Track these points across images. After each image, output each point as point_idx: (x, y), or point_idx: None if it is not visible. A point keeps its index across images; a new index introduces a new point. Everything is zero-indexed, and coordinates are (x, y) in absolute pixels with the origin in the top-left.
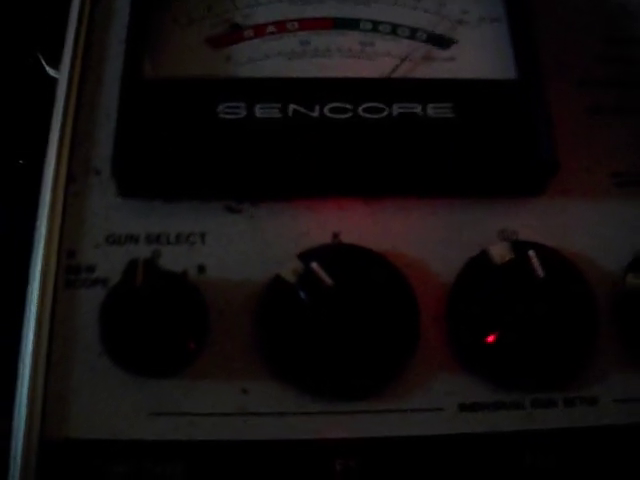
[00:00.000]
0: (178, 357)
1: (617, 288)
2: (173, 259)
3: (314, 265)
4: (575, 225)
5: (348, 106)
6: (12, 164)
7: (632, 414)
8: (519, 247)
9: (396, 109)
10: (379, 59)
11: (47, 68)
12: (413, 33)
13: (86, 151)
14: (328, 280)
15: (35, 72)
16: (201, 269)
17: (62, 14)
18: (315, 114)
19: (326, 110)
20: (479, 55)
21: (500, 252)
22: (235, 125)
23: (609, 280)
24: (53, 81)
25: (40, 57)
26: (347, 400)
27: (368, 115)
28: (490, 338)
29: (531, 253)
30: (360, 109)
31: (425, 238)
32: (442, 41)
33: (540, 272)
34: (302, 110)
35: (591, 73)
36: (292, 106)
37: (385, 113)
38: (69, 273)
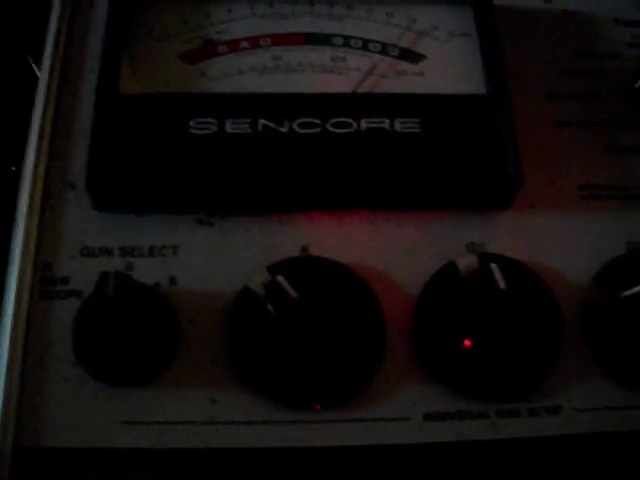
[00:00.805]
0: (149, 367)
1: (582, 299)
2: (146, 271)
3: (280, 278)
4: (542, 237)
5: (317, 121)
6: (4, 170)
7: (594, 423)
8: (485, 259)
9: (364, 124)
10: (350, 74)
11: (38, 73)
12: (384, 48)
13: (62, 165)
14: (293, 293)
15: (27, 77)
16: (172, 281)
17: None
18: (284, 129)
19: (295, 125)
20: (448, 70)
21: (466, 264)
22: (206, 140)
23: (575, 292)
24: None
25: (31, 62)
26: (313, 409)
27: (336, 130)
28: (455, 349)
29: (493, 266)
30: (329, 124)
31: (393, 251)
32: (412, 56)
33: (502, 284)
34: (271, 125)
35: (558, 87)
36: (262, 121)
37: (353, 128)
38: (44, 284)
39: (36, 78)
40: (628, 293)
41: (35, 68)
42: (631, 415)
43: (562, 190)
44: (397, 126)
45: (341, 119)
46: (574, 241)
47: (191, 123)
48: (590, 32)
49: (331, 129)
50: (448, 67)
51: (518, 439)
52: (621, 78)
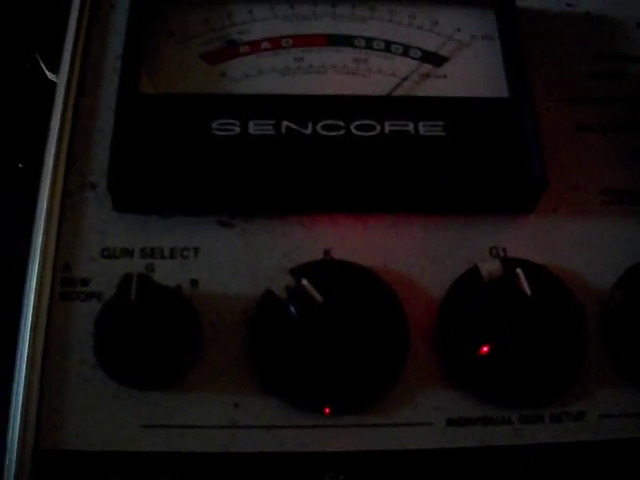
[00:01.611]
0: (171, 370)
1: (605, 305)
2: (167, 273)
3: (304, 281)
4: (564, 242)
5: (340, 123)
6: (11, 167)
7: (618, 429)
8: (509, 264)
9: (388, 127)
10: (372, 76)
11: (46, 71)
12: (406, 50)
13: (82, 166)
14: (318, 296)
15: (34, 75)
16: (194, 283)
17: (60, 18)
18: (308, 131)
19: (319, 127)
20: (471, 73)
21: (489, 269)
22: (229, 141)
23: (598, 297)
24: (52, 85)
25: (39, 60)
26: (337, 414)
27: (360, 133)
28: (478, 354)
29: (519, 271)
30: (352, 126)
31: (416, 255)
32: (435, 59)
33: (527, 290)
34: (295, 127)
35: (581, 90)
36: (285, 123)
37: (377, 131)
38: (64, 286)
39: (45, 79)
40: None
41: (44, 67)
42: None
43: (584, 195)
44: (421, 129)
45: (365, 122)
46: (596, 246)
47: (214, 124)
48: (612, 35)
49: (355, 132)
50: (471, 70)
51: (541, 445)
52: None
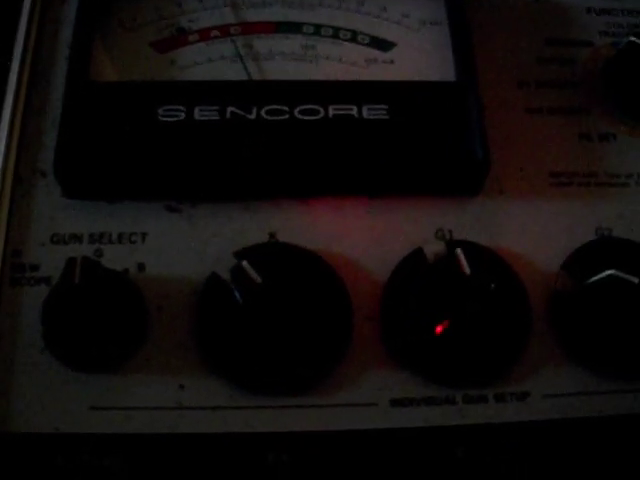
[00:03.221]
0: (117, 353)
1: (552, 286)
2: (115, 258)
3: (244, 263)
4: (511, 224)
5: (285, 108)
6: None
7: (562, 409)
8: (453, 246)
9: (332, 111)
10: (320, 62)
11: None
12: (354, 36)
13: (33, 153)
14: (257, 278)
15: None
16: (141, 267)
17: (13, 5)
18: (252, 116)
19: (263, 112)
20: (419, 58)
21: (434, 250)
22: (175, 127)
23: (544, 278)
24: (4, 72)
25: None
26: (280, 395)
27: (304, 117)
28: (421, 335)
29: (458, 251)
30: (296, 111)
31: (361, 237)
32: (383, 44)
33: (467, 269)
34: (240, 112)
35: (530, 74)
36: (230, 108)
37: (321, 115)
38: (14, 271)
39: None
40: (594, 279)
41: None
42: (598, 401)
43: (533, 177)
44: (365, 113)
45: (309, 106)
46: (544, 228)
47: (160, 110)
48: (562, 20)
49: (299, 116)
50: (418, 55)
51: (485, 425)
52: (593, 66)
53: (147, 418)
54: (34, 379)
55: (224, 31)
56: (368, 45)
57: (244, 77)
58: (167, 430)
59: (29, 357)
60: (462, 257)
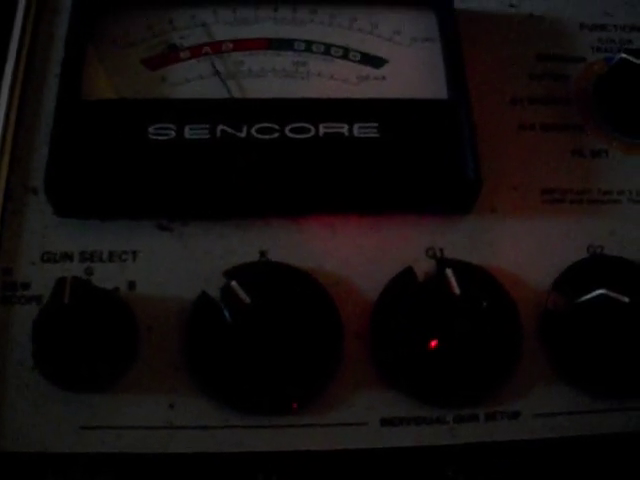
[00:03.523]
0: (107, 372)
1: (542, 305)
2: (105, 276)
3: (233, 283)
4: (503, 242)
5: (275, 126)
6: None
7: (553, 428)
8: (443, 265)
9: (322, 129)
10: (312, 79)
11: None
12: (346, 53)
13: (24, 170)
14: (246, 298)
15: None
16: (132, 286)
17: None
18: (242, 135)
19: (253, 131)
20: (410, 75)
21: (424, 269)
22: (165, 146)
23: (536, 297)
24: None
25: None
26: (270, 415)
27: (295, 135)
28: (412, 354)
29: (448, 271)
30: (287, 129)
31: (352, 256)
32: (374, 61)
33: (456, 290)
34: (230, 131)
35: (522, 91)
36: (220, 127)
37: (312, 133)
38: (5, 290)
39: None
40: (584, 298)
41: None
42: (589, 420)
43: (525, 194)
44: (355, 131)
45: (299, 124)
46: (535, 246)
47: (150, 129)
48: (555, 36)
49: (289, 134)
50: (410, 72)
51: (476, 444)
52: (585, 82)
53: (137, 437)
54: (24, 398)
55: (216, 48)
56: (360, 62)
57: (236, 95)
58: (157, 449)
59: (19, 376)
60: (452, 277)
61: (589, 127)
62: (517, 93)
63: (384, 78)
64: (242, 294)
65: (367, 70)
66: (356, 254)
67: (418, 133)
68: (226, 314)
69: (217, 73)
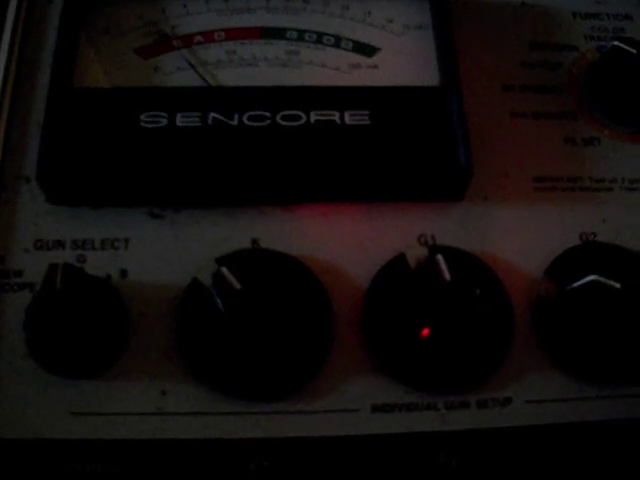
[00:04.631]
0: (99, 359)
1: (534, 292)
2: (97, 264)
3: (223, 270)
4: (495, 230)
5: (266, 114)
6: None
7: (545, 415)
8: (435, 252)
9: (314, 117)
10: (304, 67)
11: None
12: (338, 41)
13: (17, 159)
14: (236, 284)
15: None
16: (124, 273)
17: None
18: (234, 122)
19: (245, 118)
20: (403, 62)
21: (416, 256)
22: (157, 133)
23: (528, 284)
24: None
25: None
26: (262, 401)
27: (286, 123)
28: (403, 341)
29: (439, 257)
30: (278, 117)
31: (344, 243)
32: (367, 49)
33: (447, 276)
34: (221, 118)
35: (515, 78)
36: (212, 115)
37: (303, 121)
38: None
39: None
40: (576, 285)
41: None
42: (581, 406)
43: (517, 182)
44: (347, 119)
45: (291, 112)
46: (527, 233)
47: (142, 117)
48: (548, 24)
49: (281, 122)
50: (403, 60)
51: (467, 431)
52: (578, 70)
53: (129, 424)
54: (16, 385)
55: (208, 37)
56: (352, 50)
57: (227, 84)
58: (149, 436)
59: (12, 363)
60: (443, 263)
61: (581, 115)
62: (509, 81)
63: (376, 66)
64: (233, 281)
65: (359, 58)
66: (348, 241)
67: (410, 120)
68: (217, 301)
69: (191, 65)
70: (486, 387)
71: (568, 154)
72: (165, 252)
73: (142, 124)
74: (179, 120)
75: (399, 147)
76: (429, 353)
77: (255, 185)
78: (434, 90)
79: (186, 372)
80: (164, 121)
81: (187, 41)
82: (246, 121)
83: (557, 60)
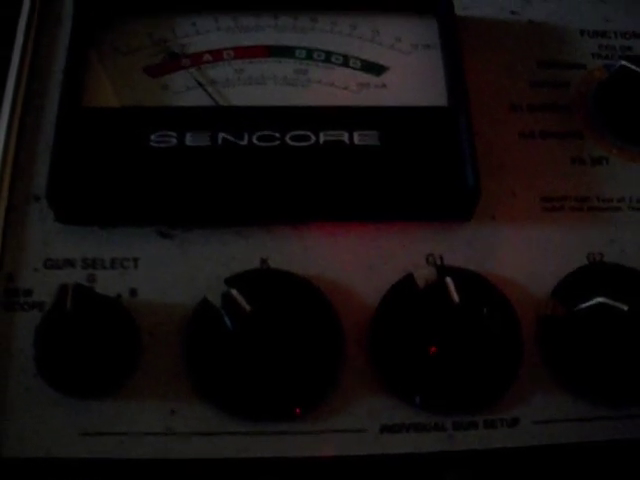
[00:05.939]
0: (109, 379)
1: (541, 312)
2: (107, 283)
3: (233, 291)
4: (503, 250)
5: (276, 134)
6: None
7: (552, 435)
8: (444, 272)
9: (323, 137)
10: (312, 86)
11: None
12: (346, 60)
13: (27, 178)
14: (246, 306)
15: None
16: (133, 293)
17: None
18: (244, 142)
19: (254, 138)
20: (411, 82)
21: (424, 277)
22: (166, 153)
23: (535, 304)
24: None
25: None
26: (271, 421)
27: (295, 143)
28: (412, 361)
29: (448, 279)
30: (287, 137)
31: (352, 263)
32: (375, 68)
33: (456, 298)
34: (231, 138)
35: (523, 98)
36: (221, 134)
37: (312, 141)
38: (7, 296)
39: None
40: (584, 306)
41: None
42: (588, 427)
43: (525, 202)
44: (356, 139)
45: (300, 132)
46: (535, 253)
47: (152, 136)
48: (556, 43)
49: (290, 142)
50: (411, 79)
51: (475, 451)
52: (585, 89)
53: (138, 443)
54: (26, 404)
55: (217, 55)
56: (360, 69)
57: (236, 103)
58: (158, 455)
59: (21, 382)
60: (451, 285)
61: (589, 134)
62: (517, 100)
63: (384, 85)
64: (243, 302)
65: (368, 77)
66: (357, 261)
67: (418, 140)
68: (227, 321)
69: (200, 85)
70: (494, 407)
71: (576, 174)
72: (174, 271)
73: (152, 144)
74: (189, 140)
75: (407, 167)
76: (437, 373)
77: (264, 205)
78: (442, 110)
79: (195, 392)
80: (174, 141)
81: (196, 60)
82: (255, 141)
83: (565, 79)
